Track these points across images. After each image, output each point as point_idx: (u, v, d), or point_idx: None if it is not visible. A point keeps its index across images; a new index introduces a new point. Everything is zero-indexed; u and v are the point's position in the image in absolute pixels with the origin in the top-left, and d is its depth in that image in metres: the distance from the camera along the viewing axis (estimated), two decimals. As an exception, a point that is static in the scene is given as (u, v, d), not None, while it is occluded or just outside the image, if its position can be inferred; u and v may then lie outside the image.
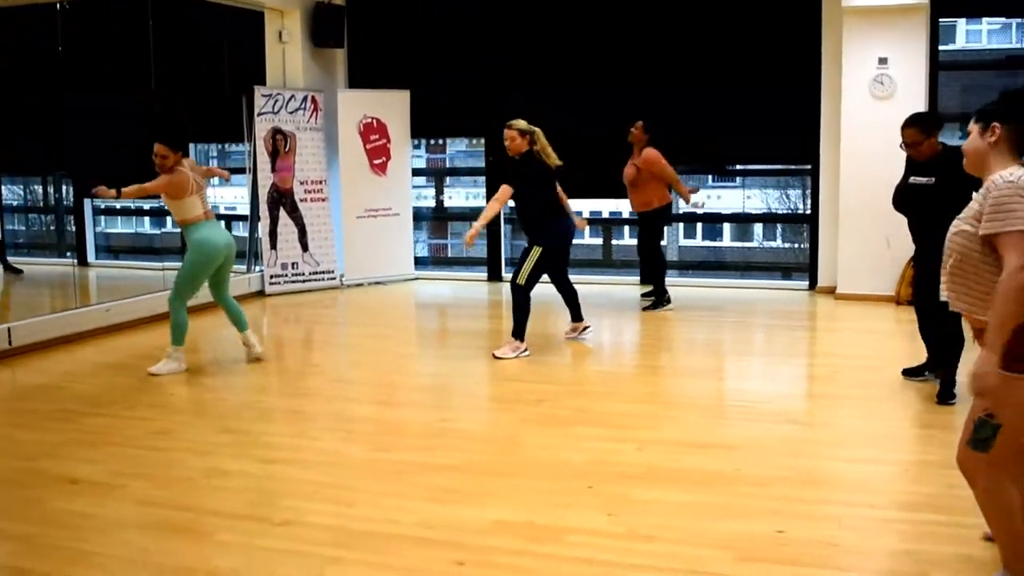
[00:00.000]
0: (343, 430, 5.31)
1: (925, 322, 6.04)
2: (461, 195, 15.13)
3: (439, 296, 10.39)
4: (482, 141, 11.20)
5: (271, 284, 10.01)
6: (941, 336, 5.78)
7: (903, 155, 9.13)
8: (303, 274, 10.27)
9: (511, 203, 6.97)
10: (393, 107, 10.67)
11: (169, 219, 11.93)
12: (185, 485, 4.44)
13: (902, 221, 9.05)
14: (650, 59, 10.03)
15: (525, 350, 6.89)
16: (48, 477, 4.58)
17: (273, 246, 10.02)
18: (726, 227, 16.22)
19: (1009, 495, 3.11)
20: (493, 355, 6.88)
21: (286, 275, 10.14)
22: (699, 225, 16.31)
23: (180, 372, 6.57)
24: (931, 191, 5.56)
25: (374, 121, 10.56)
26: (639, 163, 8.42)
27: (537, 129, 6.87)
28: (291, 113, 10.07)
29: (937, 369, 5.90)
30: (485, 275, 11.14)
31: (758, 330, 8.31)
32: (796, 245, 13.92)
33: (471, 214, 13.43)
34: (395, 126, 10.71)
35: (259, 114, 9.86)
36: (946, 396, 5.61)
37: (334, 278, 10.50)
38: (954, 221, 3.19)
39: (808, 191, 10.86)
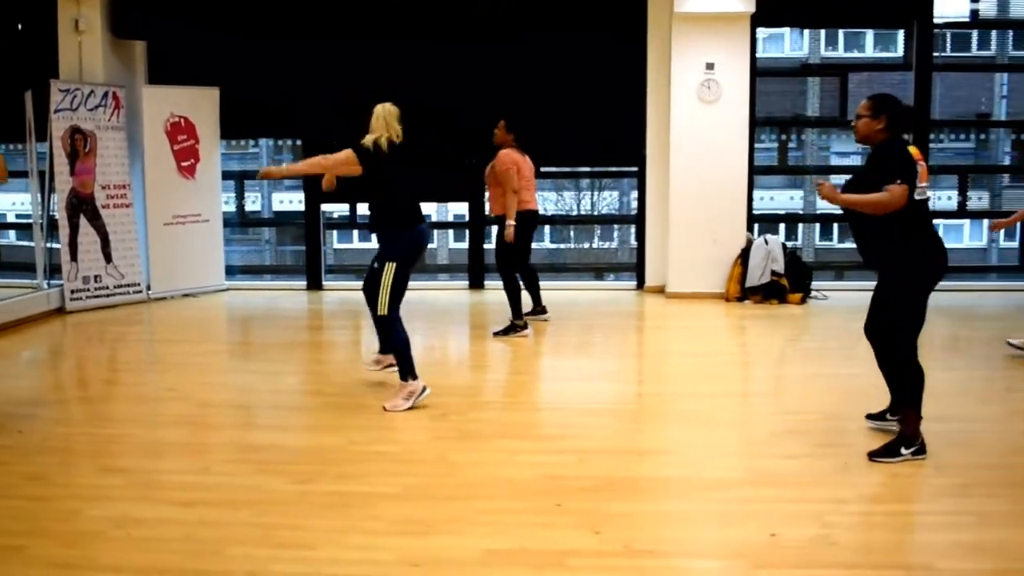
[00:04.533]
0: (249, 461, 4.75)
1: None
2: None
3: (259, 308, 9.70)
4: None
5: (72, 300, 8.97)
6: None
7: (731, 156, 9.54)
8: (107, 287, 9.28)
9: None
10: (201, 105, 9.87)
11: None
12: (97, 540, 3.77)
13: (729, 220, 9.50)
14: (472, 57, 9.87)
15: (424, 390, 5.66)
16: (-86, 542, 3.77)
17: (74, 257, 8.99)
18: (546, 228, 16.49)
19: None
20: (384, 408, 5.59)
21: (88, 289, 9.12)
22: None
23: None
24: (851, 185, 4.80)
25: (182, 120, 9.73)
26: (494, 163, 8.05)
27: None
28: (91, 110, 9.07)
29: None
30: (304, 284, 10.55)
31: (611, 331, 8.31)
32: (612, 245, 14.28)
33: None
34: (204, 126, 9.91)
35: (56, 111, 8.80)
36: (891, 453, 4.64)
37: (140, 291, 9.57)
38: None
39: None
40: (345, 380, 6.39)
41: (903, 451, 4.62)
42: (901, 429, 4.71)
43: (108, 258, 9.28)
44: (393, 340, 5.68)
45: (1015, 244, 12.43)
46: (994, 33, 21.71)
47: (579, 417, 5.58)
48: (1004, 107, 21.86)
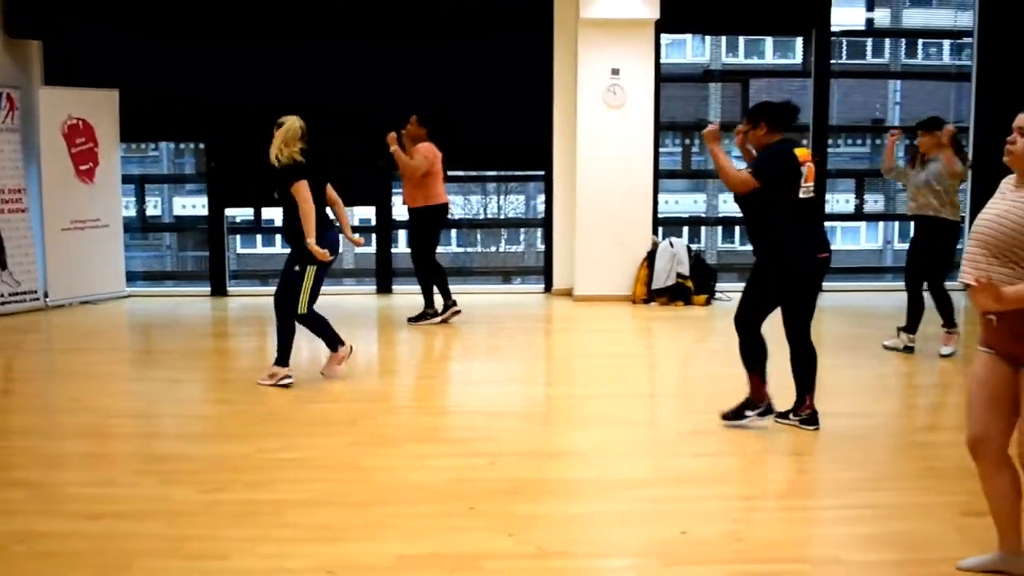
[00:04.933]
0: (156, 472, 4.65)
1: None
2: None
3: (162, 315, 9.46)
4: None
5: (-35, 309, 8.67)
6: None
7: (636, 160, 9.71)
8: (2, 295, 8.98)
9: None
10: (100, 107, 9.60)
11: None
12: (0, 556, 3.68)
13: (635, 223, 9.65)
14: (378, 58, 9.82)
15: (288, 376, 6.16)
16: None
17: (-33, 265, 8.69)
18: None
19: None
20: (258, 383, 6.15)
21: (-18, 298, 8.83)
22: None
23: None
24: None
25: (80, 123, 9.47)
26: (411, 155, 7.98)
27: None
28: (-17, 112, 8.78)
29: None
30: (208, 289, 10.34)
31: (519, 334, 8.34)
32: (519, 249, 14.39)
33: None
34: (103, 128, 9.65)
35: (-54, 113, 8.50)
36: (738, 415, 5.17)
37: (37, 298, 9.27)
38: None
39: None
40: (252, 387, 6.26)
41: (748, 413, 5.02)
42: (749, 393, 5.09)
43: (3, 265, 8.97)
44: (315, 326, 6.23)
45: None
46: (887, 41, 22.51)
47: (489, 420, 5.62)
48: (897, 113, 22.64)
